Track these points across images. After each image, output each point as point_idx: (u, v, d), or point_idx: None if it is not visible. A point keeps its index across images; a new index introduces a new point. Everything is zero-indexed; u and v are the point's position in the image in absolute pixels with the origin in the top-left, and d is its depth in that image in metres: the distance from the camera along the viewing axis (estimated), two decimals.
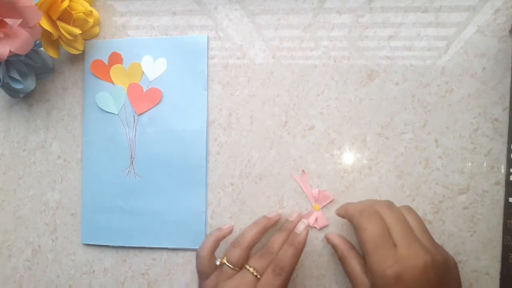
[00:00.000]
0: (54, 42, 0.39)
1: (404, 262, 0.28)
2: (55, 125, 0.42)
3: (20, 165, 0.43)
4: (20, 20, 0.33)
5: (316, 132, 0.38)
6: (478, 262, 0.35)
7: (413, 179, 0.36)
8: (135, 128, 0.40)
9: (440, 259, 0.29)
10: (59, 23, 0.37)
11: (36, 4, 0.34)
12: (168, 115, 0.40)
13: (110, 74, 0.41)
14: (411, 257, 0.28)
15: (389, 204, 0.32)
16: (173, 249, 0.40)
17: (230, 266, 0.33)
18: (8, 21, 0.33)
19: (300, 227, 0.35)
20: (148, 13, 0.41)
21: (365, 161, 0.37)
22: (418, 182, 0.36)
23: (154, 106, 0.40)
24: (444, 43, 0.36)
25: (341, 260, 0.34)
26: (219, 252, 0.36)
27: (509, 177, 0.34)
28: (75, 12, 0.37)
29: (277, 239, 0.35)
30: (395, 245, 0.29)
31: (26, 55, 0.38)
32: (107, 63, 0.41)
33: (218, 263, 0.34)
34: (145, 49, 0.40)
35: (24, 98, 0.43)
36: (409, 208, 0.33)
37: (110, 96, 0.41)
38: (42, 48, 0.40)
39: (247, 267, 0.33)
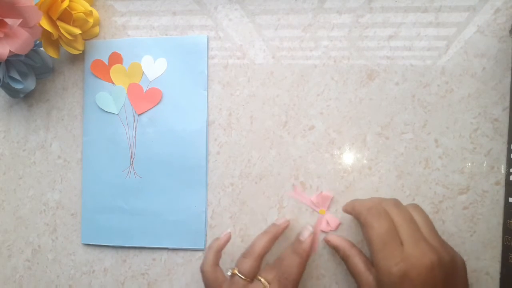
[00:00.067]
0: (54, 42, 0.39)
1: (410, 261, 0.28)
2: (55, 125, 0.42)
3: (20, 165, 0.43)
4: (20, 20, 0.33)
5: (316, 132, 0.38)
6: (478, 262, 0.35)
7: (413, 179, 0.36)
8: (135, 128, 0.40)
9: (447, 258, 0.29)
10: (59, 23, 0.37)
11: (36, 4, 0.34)
12: (168, 115, 0.40)
13: (110, 74, 0.41)
14: (417, 256, 0.28)
15: (396, 203, 0.32)
16: (173, 249, 0.40)
17: (242, 277, 0.33)
18: (8, 21, 0.33)
19: (305, 234, 0.35)
20: (148, 13, 0.41)
21: (365, 161, 0.37)
22: (418, 182, 0.36)
23: (154, 106, 0.40)
24: (444, 43, 0.36)
25: (344, 259, 0.34)
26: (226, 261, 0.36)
27: (509, 177, 0.34)
28: (75, 12, 0.37)
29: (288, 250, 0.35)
30: (402, 243, 0.29)
31: (26, 55, 0.38)
32: (107, 63, 0.41)
33: (229, 273, 0.34)
34: (145, 49, 0.40)
35: (24, 98, 0.43)
36: (416, 207, 0.33)
37: (110, 96, 0.41)
38: (42, 48, 0.40)
39: (259, 277, 0.33)
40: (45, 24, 0.36)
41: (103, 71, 0.41)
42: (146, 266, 0.40)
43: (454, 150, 0.36)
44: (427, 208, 0.36)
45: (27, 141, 0.43)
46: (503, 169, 0.35)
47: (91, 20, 0.39)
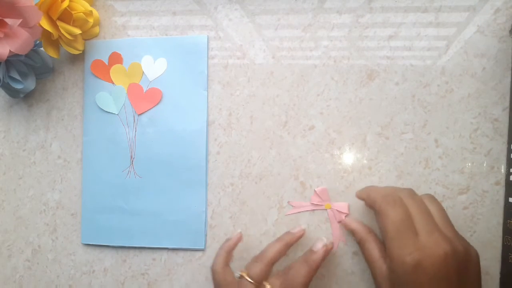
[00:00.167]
0: (54, 42, 0.39)
1: (424, 251, 0.28)
2: (55, 125, 0.42)
3: (20, 165, 0.43)
4: (20, 20, 0.33)
5: (316, 132, 0.38)
6: None
7: (413, 179, 0.36)
8: (135, 128, 0.40)
9: (461, 249, 0.29)
10: (59, 23, 0.37)
11: (36, 4, 0.34)
12: (168, 115, 0.40)
13: (110, 74, 0.41)
14: (431, 246, 0.28)
15: (411, 193, 0.32)
16: (173, 249, 0.40)
17: (250, 280, 0.33)
18: (8, 21, 0.33)
19: (318, 245, 0.34)
20: (148, 13, 0.41)
21: (365, 161, 0.37)
22: (418, 182, 0.36)
23: (154, 106, 0.40)
24: (444, 43, 0.36)
25: (360, 244, 0.34)
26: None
27: (509, 177, 0.34)
28: (75, 12, 0.37)
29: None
30: (416, 233, 0.29)
31: (26, 55, 0.38)
32: (107, 63, 0.41)
33: (238, 275, 0.34)
34: (145, 49, 0.40)
35: (24, 98, 0.43)
36: (431, 197, 0.33)
37: (110, 96, 0.41)
38: (42, 48, 0.40)
39: (265, 283, 0.33)
40: (45, 24, 0.36)
41: (103, 71, 0.41)
42: (146, 266, 0.40)
43: (454, 150, 0.36)
44: None
45: (27, 141, 0.43)
46: (503, 169, 0.35)
47: (91, 20, 0.39)
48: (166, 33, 0.41)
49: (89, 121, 0.41)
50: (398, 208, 0.30)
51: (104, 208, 0.40)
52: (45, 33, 0.37)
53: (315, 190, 0.37)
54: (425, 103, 0.36)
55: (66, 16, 0.37)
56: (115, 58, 0.41)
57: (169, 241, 0.39)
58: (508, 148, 0.35)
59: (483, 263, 0.35)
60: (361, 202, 0.36)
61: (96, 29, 0.42)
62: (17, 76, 0.39)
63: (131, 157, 0.40)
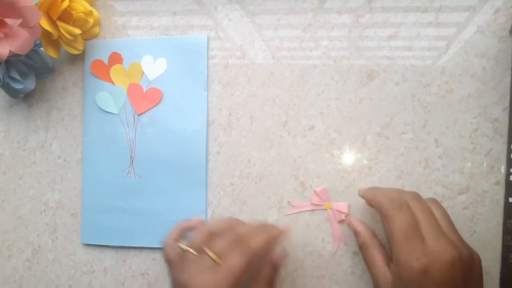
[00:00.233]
0: (54, 42, 0.39)
1: (432, 256, 0.28)
2: (55, 125, 0.42)
3: (20, 165, 0.43)
4: (20, 20, 0.33)
5: (316, 132, 0.38)
6: None
7: (413, 179, 0.36)
8: (135, 128, 0.40)
9: (466, 254, 0.29)
10: (59, 23, 0.37)
11: (36, 4, 0.34)
12: (168, 115, 0.40)
13: (110, 74, 0.41)
14: (439, 251, 0.28)
15: (417, 196, 0.32)
16: None
17: (188, 248, 0.32)
18: (8, 21, 0.33)
19: (281, 226, 0.33)
20: (148, 13, 0.41)
21: (365, 161, 0.37)
22: (418, 182, 0.36)
23: (154, 106, 0.40)
24: (444, 43, 0.36)
25: (362, 248, 0.33)
26: None
27: (509, 177, 0.34)
28: (75, 12, 0.37)
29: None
30: (423, 238, 0.29)
31: (26, 55, 0.38)
32: (107, 63, 0.41)
33: (178, 248, 0.33)
34: (145, 49, 0.40)
35: (24, 98, 0.43)
36: (435, 201, 0.32)
37: (110, 96, 0.41)
38: (42, 48, 0.40)
39: (205, 248, 0.31)
40: (45, 24, 0.36)
41: (103, 71, 0.41)
42: (146, 266, 0.40)
43: (454, 150, 0.36)
44: None
45: (27, 141, 0.43)
46: (503, 169, 0.35)
47: (91, 20, 0.39)
48: (166, 33, 0.41)
49: (89, 121, 0.41)
50: (405, 213, 0.30)
51: (104, 208, 0.40)
52: (45, 33, 0.37)
53: (315, 190, 0.37)
54: (425, 103, 0.36)
55: (66, 16, 0.37)
56: (115, 58, 0.41)
57: None
58: (508, 148, 0.35)
59: (483, 263, 0.35)
60: (361, 202, 0.36)
61: (96, 29, 0.42)
62: (17, 76, 0.39)
63: (131, 157, 0.40)
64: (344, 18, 0.38)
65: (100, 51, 0.41)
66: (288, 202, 0.38)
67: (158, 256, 0.40)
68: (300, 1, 0.39)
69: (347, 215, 0.37)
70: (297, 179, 0.38)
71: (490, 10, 0.36)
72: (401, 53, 0.37)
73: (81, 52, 0.41)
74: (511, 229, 0.34)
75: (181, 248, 0.33)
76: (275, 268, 0.34)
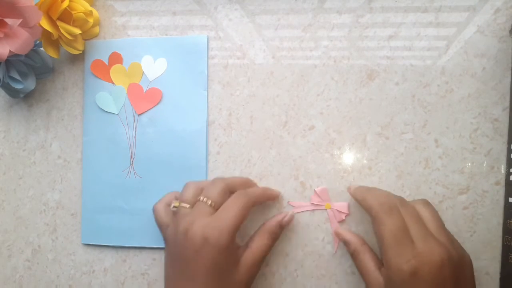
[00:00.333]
0: (54, 42, 0.39)
1: (421, 258, 0.28)
2: (55, 125, 0.42)
3: (20, 165, 0.43)
4: (20, 20, 0.33)
5: (316, 132, 0.38)
6: (478, 262, 0.35)
7: (413, 179, 0.36)
8: (135, 128, 0.40)
9: (455, 255, 0.29)
10: (59, 23, 0.37)
11: (36, 4, 0.34)
12: (168, 115, 0.40)
13: (110, 74, 0.41)
14: (428, 253, 0.28)
15: (402, 200, 0.32)
16: None
17: (181, 204, 0.33)
18: (8, 21, 0.33)
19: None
20: (148, 13, 0.41)
21: (365, 161, 0.37)
22: (418, 182, 0.36)
23: (154, 106, 0.40)
24: (444, 43, 0.36)
25: (354, 256, 0.34)
26: None
27: (509, 177, 0.34)
28: (75, 12, 0.37)
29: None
30: (412, 241, 0.29)
31: (26, 55, 0.38)
32: (107, 63, 0.41)
33: (172, 207, 0.34)
34: (145, 49, 0.40)
35: (24, 98, 0.43)
36: (426, 202, 0.33)
37: (110, 96, 0.41)
38: (42, 48, 0.40)
39: (200, 198, 0.33)
40: (45, 24, 0.36)
41: (103, 71, 0.41)
42: (146, 266, 0.40)
43: (454, 150, 0.36)
44: None
45: (27, 141, 0.43)
46: (503, 169, 0.35)
47: (91, 20, 0.39)
48: (166, 33, 0.41)
49: (89, 121, 0.41)
50: (395, 216, 0.30)
51: (104, 208, 0.40)
52: (45, 33, 0.37)
53: (315, 190, 0.37)
54: (425, 103, 0.36)
55: (66, 16, 0.37)
56: (115, 58, 0.41)
57: None
58: (508, 148, 0.35)
59: (483, 263, 0.35)
60: None
61: (96, 29, 0.42)
62: (17, 76, 0.39)
63: (131, 157, 0.40)
64: (344, 18, 0.38)
65: (100, 51, 0.41)
66: (288, 202, 0.38)
67: (158, 256, 0.40)
68: (300, 1, 0.39)
69: (347, 215, 0.37)
70: (297, 179, 0.38)
71: (490, 10, 0.36)
72: (401, 53, 0.37)
73: (81, 52, 0.41)
74: (511, 229, 0.34)
75: (175, 207, 0.34)
76: (280, 226, 0.35)
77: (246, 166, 0.39)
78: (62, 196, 0.42)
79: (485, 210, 0.35)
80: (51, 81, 0.43)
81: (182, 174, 0.39)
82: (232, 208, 0.32)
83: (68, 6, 0.37)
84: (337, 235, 0.36)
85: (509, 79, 0.35)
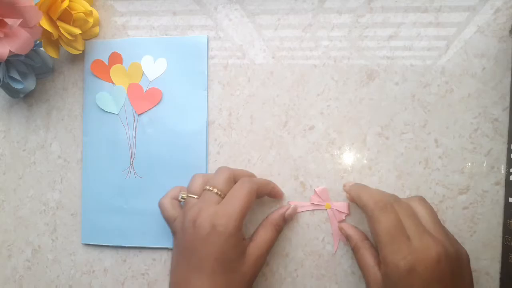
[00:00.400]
0: (54, 42, 0.39)
1: (417, 254, 0.28)
2: (55, 125, 0.42)
3: (20, 165, 0.43)
4: (20, 20, 0.33)
5: (316, 132, 0.38)
6: (478, 262, 0.35)
7: (413, 179, 0.36)
8: (135, 128, 0.40)
9: (452, 250, 0.29)
10: (59, 23, 0.37)
11: (36, 4, 0.34)
12: (168, 115, 0.40)
13: (110, 74, 0.41)
14: (424, 249, 0.28)
15: (397, 198, 0.32)
16: None
17: (189, 195, 0.34)
18: (8, 21, 0.33)
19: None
20: (148, 13, 0.41)
21: (365, 161, 0.37)
22: (418, 182, 0.36)
23: (154, 106, 0.40)
24: (444, 43, 0.36)
25: (354, 251, 0.34)
26: None
27: (509, 177, 0.34)
28: (75, 12, 0.37)
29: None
30: (408, 238, 0.29)
31: (26, 55, 0.38)
32: (107, 63, 0.41)
33: (181, 199, 0.35)
34: (145, 49, 0.40)
35: (24, 98, 0.43)
36: (421, 199, 0.33)
37: (110, 96, 0.41)
38: (42, 48, 0.40)
39: (206, 187, 0.33)
40: (45, 24, 0.36)
41: (103, 71, 0.41)
42: (146, 266, 0.40)
43: (454, 150, 0.36)
44: None
45: (27, 141, 0.43)
46: (503, 169, 0.35)
47: (91, 20, 0.39)
48: (166, 33, 0.41)
49: (89, 121, 0.41)
50: (389, 213, 0.30)
51: (104, 208, 0.40)
52: (45, 33, 0.37)
53: (315, 190, 0.37)
54: (425, 103, 0.36)
55: (66, 16, 0.37)
56: (115, 58, 0.41)
57: (169, 241, 0.39)
58: (508, 148, 0.35)
59: (483, 263, 0.35)
60: None
61: (96, 29, 0.42)
62: (17, 76, 0.39)
63: (131, 157, 0.40)
64: (344, 18, 0.38)
65: (100, 51, 0.41)
66: (288, 202, 0.38)
67: (158, 256, 0.40)
68: (300, 1, 0.39)
69: (347, 215, 0.37)
70: (297, 179, 0.38)
71: (490, 10, 0.36)
72: (401, 53, 0.37)
73: (81, 52, 0.41)
74: (511, 229, 0.34)
75: (183, 198, 0.34)
76: (283, 219, 0.36)
77: (246, 166, 0.39)
78: (62, 196, 0.42)
79: (485, 210, 0.35)
80: (51, 81, 0.43)
81: (182, 174, 0.39)
82: (238, 194, 0.32)
83: (68, 6, 0.37)
84: (340, 229, 0.36)
85: (509, 79, 0.35)
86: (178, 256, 0.33)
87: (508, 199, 0.34)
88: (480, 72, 0.36)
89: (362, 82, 0.37)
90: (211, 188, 0.33)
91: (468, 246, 0.35)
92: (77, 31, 0.38)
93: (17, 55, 0.36)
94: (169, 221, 0.35)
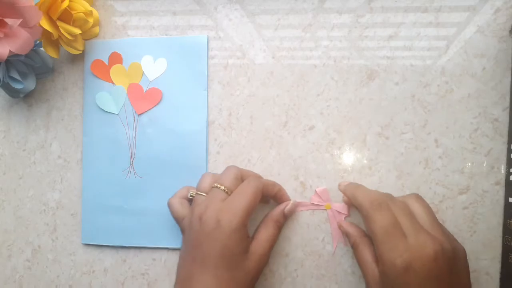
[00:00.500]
0: (54, 42, 0.39)
1: (414, 252, 0.28)
2: (55, 125, 0.42)
3: (20, 165, 0.43)
4: (20, 20, 0.33)
5: (316, 132, 0.38)
6: (478, 262, 0.35)
7: (413, 179, 0.36)
8: (135, 128, 0.40)
9: (449, 248, 0.29)
10: (59, 23, 0.37)
11: (36, 4, 0.34)
12: (168, 115, 0.40)
13: (110, 74, 0.41)
14: (420, 246, 0.28)
15: (392, 197, 0.32)
16: (173, 249, 0.40)
17: (198, 193, 0.35)
18: (8, 21, 0.33)
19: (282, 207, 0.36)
20: (148, 13, 0.41)
21: (365, 161, 0.37)
22: (418, 182, 0.36)
23: (154, 106, 0.40)
24: (444, 43, 0.36)
25: (353, 247, 0.34)
26: None
27: (509, 177, 0.34)
28: (75, 12, 0.37)
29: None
30: (405, 235, 0.29)
31: (26, 55, 0.38)
32: (107, 63, 0.41)
33: (189, 195, 0.36)
34: (145, 49, 0.40)
35: (24, 98, 0.43)
36: (417, 197, 0.33)
37: (110, 96, 0.41)
38: (42, 48, 0.40)
39: (215, 184, 0.34)
40: (45, 24, 0.36)
41: (103, 71, 0.41)
42: (146, 266, 0.40)
43: (454, 150, 0.36)
44: None
45: (27, 141, 0.43)
46: (503, 169, 0.35)
47: (91, 20, 0.39)
48: (166, 33, 0.41)
49: (89, 121, 0.41)
50: (385, 212, 0.30)
51: (104, 208, 0.40)
52: (45, 33, 0.37)
53: (315, 190, 0.37)
54: (425, 103, 0.36)
55: (66, 16, 0.37)
56: (115, 58, 0.41)
57: (169, 241, 0.39)
58: (508, 148, 0.35)
59: (483, 263, 0.35)
60: None
61: (96, 29, 0.42)
62: (17, 76, 0.39)
63: (131, 157, 0.40)
64: (344, 18, 0.38)
65: (100, 51, 0.41)
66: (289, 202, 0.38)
67: (158, 256, 0.40)
68: (300, 1, 0.39)
69: (346, 216, 0.37)
70: (297, 179, 0.38)
71: (490, 10, 0.36)
72: (401, 53, 0.37)
73: (81, 52, 0.41)
74: (511, 229, 0.34)
75: (191, 196, 0.35)
76: (284, 215, 0.36)
77: (246, 166, 0.39)
78: (62, 196, 0.42)
79: (485, 210, 0.35)
80: (51, 81, 0.43)
81: (182, 174, 0.39)
82: (243, 192, 0.33)
83: (68, 6, 0.37)
84: (339, 227, 0.36)
85: (509, 79, 0.35)
86: (185, 252, 0.34)
87: (508, 199, 0.34)
88: (480, 72, 0.36)
89: (362, 82, 0.37)
90: (218, 186, 0.34)
91: (468, 246, 0.35)
92: (77, 31, 0.38)
93: (17, 55, 0.36)
94: (178, 220, 0.36)
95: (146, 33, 0.41)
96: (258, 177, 0.37)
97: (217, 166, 0.39)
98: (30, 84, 0.40)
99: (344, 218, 0.37)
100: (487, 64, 0.36)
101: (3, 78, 0.38)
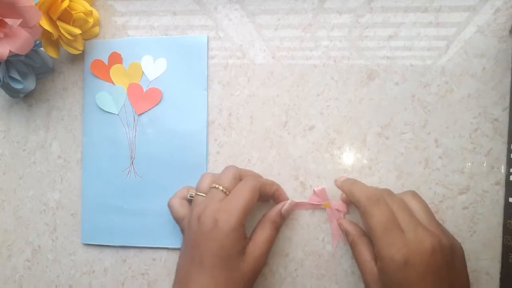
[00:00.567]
0: (54, 42, 0.39)
1: (412, 247, 0.28)
2: (55, 125, 0.42)
3: (20, 165, 0.43)
4: (20, 20, 0.33)
5: (316, 132, 0.38)
6: (478, 262, 0.35)
7: (413, 179, 0.36)
8: (135, 128, 0.40)
9: (446, 243, 0.29)
10: (59, 23, 0.37)
11: (36, 4, 0.34)
12: (168, 115, 0.40)
13: (110, 74, 0.41)
14: (418, 241, 0.28)
15: (389, 192, 0.32)
16: (173, 249, 0.40)
17: (197, 193, 0.35)
18: (8, 21, 0.33)
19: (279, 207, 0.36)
20: (148, 13, 0.41)
21: (365, 161, 0.37)
22: (418, 182, 0.36)
23: (154, 106, 0.40)
24: (444, 43, 0.36)
25: (352, 246, 0.34)
26: None
27: (509, 177, 0.34)
28: (75, 12, 0.37)
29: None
30: (402, 230, 0.29)
31: (26, 55, 0.38)
32: (107, 63, 0.41)
33: (189, 196, 0.36)
34: (145, 49, 0.40)
35: (24, 98, 0.43)
36: (414, 193, 0.33)
37: (110, 96, 0.41)
38: (42, 48, 0.40)
39: (213, 185, 0.34)
40: (45, 24, 0.36)
41: (103, 71, 0.41)
42: (146, 266, 0.40)
43: (454, 150, 0.36)
44: None
45: (27, 141, 0.43)
46: (503, 169, 0.35)
47: (91, 20, 0.39)
48: (166, 33, 0.41)
49: (89, 121, 0.41)
50: (382, 207, 0.30)
51: (104, 208, 0.40)
52: (45, 33, 0.37)
53: (314, 190, 0.37)
54: (425, 103, 0.36)
55: (66, 16, 0.37)
56: (115, 58, 0.41)
57: (169, 241, 0.39)
58: (508, 148, 0.35)
59: (483, 263, 0.35)
60: None
61: (96, 29, 0.42)
62: (17, 76, 0.39)
63: (131, 157, 0.40)
64: (344, 18, 0.38)
65: (100, 51, 0.41)
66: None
67: (158, 256, 0.40)
68: (300, 1, 0.39)
69: (346, 213, 0.37)
70: (297, 179, 0.38)
71: (490, 10, 0.36)
72: (401, 53, 0.37)
73: (81, 52, 0.41)
74: (511, 229, 0.34)
75: (191, 196, 0.36)
76: (281, 215, 0.36)
77: (246, 166, 0.39)
78: (62, 196, 0.42)
79: (485, 210, 0.35)
80: (51, 81, 0.43)
81: (182, 174, 0.39)
82: (241, 191, 0.33)
83: (68, 6, 0.37)
84: (339, 225, 0.36)
85: (509, 79, 0.35)
86: (184, 252, 0.34)
87: (508, 199, 0.34)
88: (480, 72, 0.36)
89: (362, 82, 0.37)
90: (217, 186, 0.34)
91: (468, 246, 0.35)
92: (77, 31, 0.38)
93: (17, 55, 0.36)
94: (178, 220, 0.36)
95: (146, 33, 0.41)
96: (257, 176, 0.37)
97: (217, 166, 0.39)
98: (30, 84, 0.40)
99: (343, 215, 0.37)
100: (487, 64, 0.36)
101: (3, 78, 0.38)
